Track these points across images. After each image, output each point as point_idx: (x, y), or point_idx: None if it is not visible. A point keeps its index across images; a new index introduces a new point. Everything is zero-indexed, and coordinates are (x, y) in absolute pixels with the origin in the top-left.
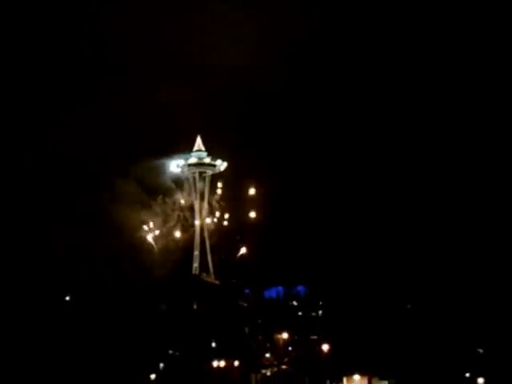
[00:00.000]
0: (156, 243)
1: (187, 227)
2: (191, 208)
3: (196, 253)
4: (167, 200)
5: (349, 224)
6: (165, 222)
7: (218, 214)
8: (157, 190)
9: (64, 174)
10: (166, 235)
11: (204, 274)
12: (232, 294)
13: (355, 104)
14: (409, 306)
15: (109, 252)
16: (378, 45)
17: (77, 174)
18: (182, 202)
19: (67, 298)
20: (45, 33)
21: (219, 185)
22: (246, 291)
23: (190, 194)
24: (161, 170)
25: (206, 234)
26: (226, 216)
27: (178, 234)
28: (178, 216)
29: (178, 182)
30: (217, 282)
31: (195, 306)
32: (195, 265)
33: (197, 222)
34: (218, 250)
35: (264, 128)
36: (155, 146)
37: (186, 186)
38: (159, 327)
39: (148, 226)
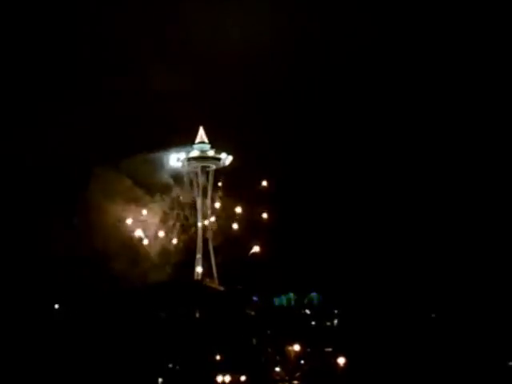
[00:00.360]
0: (152, 244)
1: (188, 227)
2: (192, 206)
3: (198, 256)
4: (165, 197)
5: (367, 225)
6: (163, 221)
7: (222, 212)
8: (154, 187)
9: (48, 169)
10: (164, 236)
11: (207, 279)
12: (238, 301)
13: (356, 103)
14: (433, 316)
15: (100, 255)
16: (378, 44)
17: (63, 170)
18: (182, 199)
19: (56, 307)
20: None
21: (224, 180)
22: (254, 298)
23: (191, 191)
24: (159, 165)
25: (209, 235)
26: (232, 215)
27: (177, 234)
28: (178, 215)
29: (178, 178)
30: (221, 288)
31: (197, 315)
32: (197, 269)
33: (199, 222)
34: (223, 253)
35: (274, 118)
36: (153, 138)
37: (186, 181)
38: (158, 338)
39: (138, 221)
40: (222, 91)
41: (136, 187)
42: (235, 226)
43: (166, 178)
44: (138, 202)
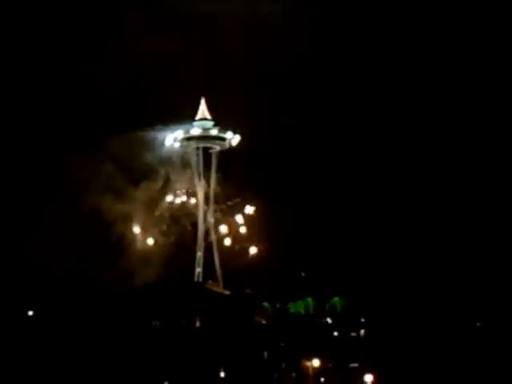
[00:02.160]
0: (140, 239)
1: (184, 218)
2: (190, 194)
3: (199, 254)
4: (156, 184)
5: (399, 219)
6: (152, 212)
7: (227, 202)
8: (143, 172)
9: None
10: (155, 229)
11: (210, 282)
12: (247, 307)
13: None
14: (479, 324)
15: (77, 253)
16: (377, 43)
17: (29, 152)
18: (178, 186)
19: (30, 313)
20: None
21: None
22: (265, 304)
23: (189, 176)
24: (151, 145)
25: (211, 229)
26: (239, 206)
27: (169, 227)
28: (171, 204)
29: (174, 161)
30: (226, 293)
31: (198, 324)
32: (198, 270)
33: (200, 213)
34: (229, 250)
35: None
36: (143, 114)
37: (182, 165)
38: (150, 352)
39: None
40: (228, 56)
41: (120, 173)
42: (243, 219)
43: (158, 161)
44: (122, 191)
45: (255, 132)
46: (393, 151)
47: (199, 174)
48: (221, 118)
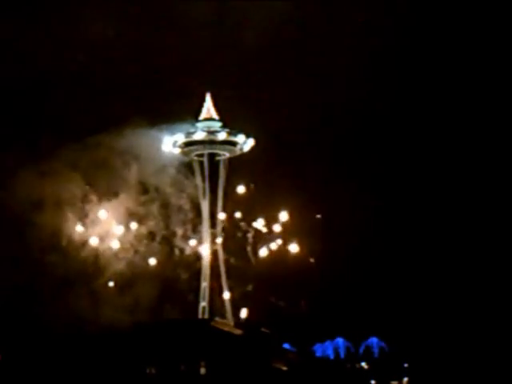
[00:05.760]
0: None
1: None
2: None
3: (204, 284)
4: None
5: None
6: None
7: (239, 221)
8: (129, 184)
9: None
10: (144, 253)
11: (217, 319)
12: (263, 350)
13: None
14: None
15: (50, 284)
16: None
17: None
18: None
19: None
20: None
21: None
22: (286, 346)
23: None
24: (145, 151)
25: (219, 254)
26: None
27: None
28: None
29: (171, 170)
30: (238, 332)
31: (203, 371)
32: (203, 304)
33: (205, 235)
34: (241, 280)
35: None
36: (137, 110)
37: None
38: None
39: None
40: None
41: (95, 187)
42: (259, 241)
43: (152, 171)
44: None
45: (273, 135)
46: None
47: (204, 187)
48: (230, 117)
